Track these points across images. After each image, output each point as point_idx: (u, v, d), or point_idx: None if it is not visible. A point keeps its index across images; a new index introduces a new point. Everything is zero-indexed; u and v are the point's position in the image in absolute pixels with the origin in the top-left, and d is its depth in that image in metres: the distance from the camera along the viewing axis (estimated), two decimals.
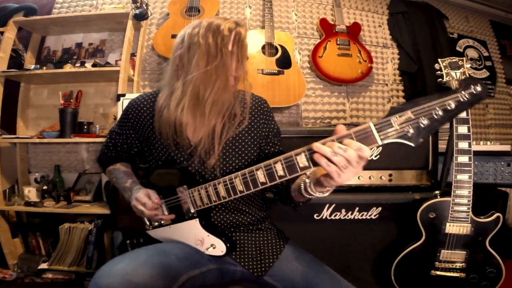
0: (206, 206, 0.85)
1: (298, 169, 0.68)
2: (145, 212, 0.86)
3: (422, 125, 0.58)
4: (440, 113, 0.57)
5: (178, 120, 0.87)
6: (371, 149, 0.62)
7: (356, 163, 0.61)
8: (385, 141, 0.61)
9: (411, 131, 0.59)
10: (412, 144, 0.59)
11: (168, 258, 0.77)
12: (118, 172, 1.02)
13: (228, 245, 0.86)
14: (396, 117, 0.59)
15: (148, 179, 0.97)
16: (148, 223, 0.95)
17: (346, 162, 0.60)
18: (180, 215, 0.89)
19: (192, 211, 0.87)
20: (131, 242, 1.00)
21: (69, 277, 1.86)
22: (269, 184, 0.73)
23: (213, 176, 0.91)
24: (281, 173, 0.70)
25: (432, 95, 0.59)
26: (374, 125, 0.61)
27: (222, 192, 0.81)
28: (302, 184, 0.76)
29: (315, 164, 0.65)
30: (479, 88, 0.57)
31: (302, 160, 0.67)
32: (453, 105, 0.57)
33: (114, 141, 1.03)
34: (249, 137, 0.95)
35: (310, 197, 0.77)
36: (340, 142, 0.62)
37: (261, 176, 0.73)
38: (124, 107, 1.58)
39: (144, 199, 0.86)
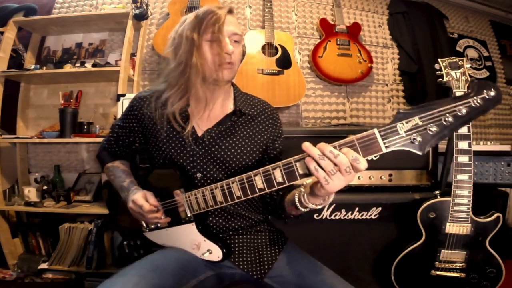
0: (203, 211, 0.84)
1: (298, 176, 0.65)
2: (144, 215, 0.84)
3: (431, 133, 0.54)
4: (450, 119, 0.53)
5: (181, 110, 0.89)
6: (374, 157, 0.58)
7: (345, 172, 0.58)
8: (390, 149, 0.57)
9: (419, 138, 0.55)
10: (419, 153, 0.56)
11: (161, 276, 0.74)
12: (117, 170, 1.00)
13: (224, 250, 0.85)
14: (403, 123, 0.56)
15: (146, 179, 0.96)
16: (144, 225, 0.94)
17: (334, 167, 0.58)
18: (176, 218, 0.88)
19: (189, 215, 0.86)
20: (128, 243, 0.99)
21: (69, 277, 1.86)
22: (267, 191, 0.70)
23: (213, 174, 0.90)
24: (279, 179, 0.67)
25: (441, 100, 0.55)
26: (379, 131, 0.57)
27: (219, 197, 0.78)
28: (296, 194, 0.74)
29: None
30: (492, 93, 0.52)
31: (302, 167, 0.64)
32: (464, 111, 0.53)
33: (117, 135, 1.02)
34: (256, 139, 0.95)
35: (304, 209, 0.75)
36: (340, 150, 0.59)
37: (259, 182, 0.70)
38: (124, 107, 1.60)
39: (140, 201, 0.84)
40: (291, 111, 2.24)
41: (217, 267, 0.89)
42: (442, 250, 1.23)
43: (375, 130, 0.57)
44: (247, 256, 0.91)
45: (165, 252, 0.87)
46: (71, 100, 2.04)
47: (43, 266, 1.83)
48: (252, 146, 0.93)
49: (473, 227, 1.19)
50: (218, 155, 0.90)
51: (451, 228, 1.20)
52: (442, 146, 1.34)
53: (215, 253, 0.85)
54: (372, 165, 1.36)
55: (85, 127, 1.94)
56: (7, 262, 1.86)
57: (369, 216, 1.33)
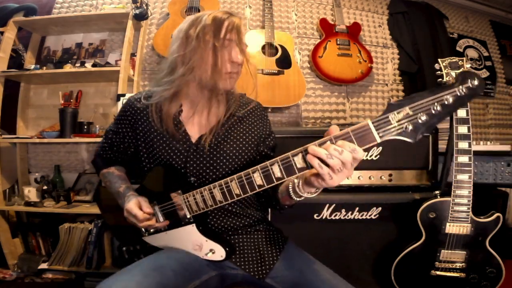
0: (203, 211, 0.83)
1: (296, 170, 0.66)
2: (137, 224, 0.85)
3: (421, 121, 0.57)
4: (439, 108, 0.57)
5: (175, 114, 0.89)
6: (368, 149, 0.61)
7: (350, 166, 0.60)
8: (384, 139, 0.60)
9: (410, 127, 0.58)
10: (411, 141, 0.59)
11: (164, 275, 0.74)
12: (112, 176, 0.99)
13: (227, 249, 0.85)
14: (394, 114, 0.59)
15: (141, 183, 0.95)
16: (143, 230, 0.93)
17: (342, 164, 0.59)
18: (176, 220, 0.87)
19: (188, 216, 0.85)
20: (127, 249, 0.98)
21: (69, 277, 1.86)
22: (266, 187, 0.71)
23: (208, 178, 0.90)
24: (278, 174, 0.68)
25: (428, 90, 0.59)
26: (372, 123, 0.60)
27: (218, 196, 0.79)
28: (290, 185, 0.75)
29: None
30: (476, 82, 0.56)
31: (299, 161, 0.65)
32: (451, 100, 0.56)
33: (111, 141, 1.01)
34: (247, 139, 0.94)
35: (298, 198, 0.75)
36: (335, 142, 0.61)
37: (258, 178, 0.71)
38: None
39: (134, 211, 0.83)
40: (291, 111, 2.24)
41: (220, 268, 0.89)
42: (442, 250, 1.23)
43: (369, 121, 0.61)
44: (248, 257, 0.90)
45: (167, 252, 0.87)
46: (71, 100, 2.04)
47: (43, 266, 1.83)
48: (244, 148, 0.93)
49: (473, 227, 1.19)
50: (211, 161, 0.90)
51: (451, 228, 1.20)
52: (442, 146, 1.34)
53: (218, 253, 0.85)
54: (372, 165, 1.36)
55: (85, 127, 1.94)
56: (7, 262, 1.86)
57: (369, 216, 1.33)
